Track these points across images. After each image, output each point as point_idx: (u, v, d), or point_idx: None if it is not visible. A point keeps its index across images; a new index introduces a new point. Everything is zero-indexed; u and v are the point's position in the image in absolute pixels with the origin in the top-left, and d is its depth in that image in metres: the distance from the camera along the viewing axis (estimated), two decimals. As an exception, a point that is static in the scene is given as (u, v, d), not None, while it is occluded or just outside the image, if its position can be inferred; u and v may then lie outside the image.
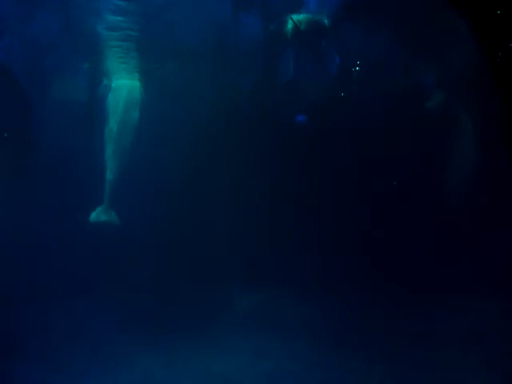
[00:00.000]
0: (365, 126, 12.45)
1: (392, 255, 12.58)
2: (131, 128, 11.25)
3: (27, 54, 11.32)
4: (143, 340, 11.28)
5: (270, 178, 12.92)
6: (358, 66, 11.65)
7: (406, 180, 12.76)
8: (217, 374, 10.58)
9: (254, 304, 12.56)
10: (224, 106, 12.18)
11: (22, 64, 11.47)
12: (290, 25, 10.26)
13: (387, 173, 12.57)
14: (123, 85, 11.47)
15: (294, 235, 13.05)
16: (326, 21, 10.44)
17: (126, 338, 11.28)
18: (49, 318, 11.62)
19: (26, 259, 12.06)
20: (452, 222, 12.36)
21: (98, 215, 10.78)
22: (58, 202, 12.02)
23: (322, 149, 12.85)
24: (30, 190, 12.04)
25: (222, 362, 10.93)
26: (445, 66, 11.64)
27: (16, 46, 11.01)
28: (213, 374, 10.55)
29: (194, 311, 12.22)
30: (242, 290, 12.63)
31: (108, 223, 10.94)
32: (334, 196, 12.84)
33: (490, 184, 12.29)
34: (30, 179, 12.12)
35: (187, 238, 12.71)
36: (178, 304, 12.20)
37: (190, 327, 11.80)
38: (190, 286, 12.59)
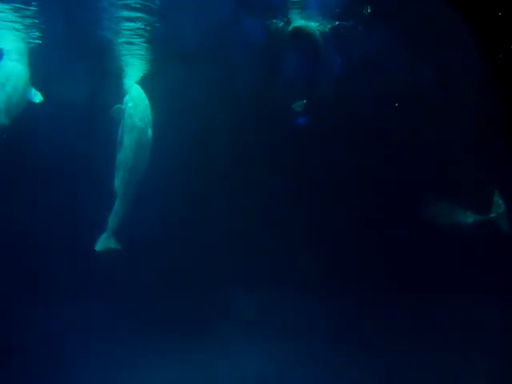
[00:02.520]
0: (364, 126, 12.45)
1: (391, 255, 12.58)
2: (145, 157, 11.11)
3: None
4: (145, 340, 11.36)
5: (271, 177, 12.92)
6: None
7: (406, 180, 12.75)
8: (217, 374, 10.64)
9: (255, 305, 12.59)
10: (227, 106, 12.20)
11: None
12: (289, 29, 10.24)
13: (387, 173, 12.56)
14: (137, 108, 11.28)
15: (294, 235, 13.06)
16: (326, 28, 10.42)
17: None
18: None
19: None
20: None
21: (102, 243, 10.64)
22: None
23: (322, 148, 12.85)
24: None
25: (223, 363, 10.98)
26: (445, 68, 11.66)
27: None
28: (214, 375, 10.63)
29: (196, 313, 12.28)
30: (243, 291, 12.64)
31: (112, 249, 10.77)
32: (334, 196, 12.84)
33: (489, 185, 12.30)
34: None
35: (190, 241, 12.73)
36: (179, 306, 12.24)
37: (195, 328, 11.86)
38: (190, 286, 12.64)
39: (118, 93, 11.55)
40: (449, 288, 12.28)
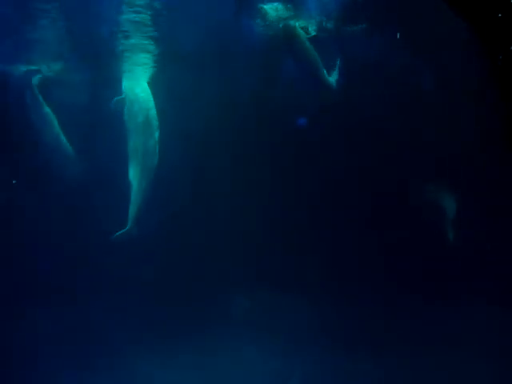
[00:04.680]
0: (365, 127, 12.46)
1: (392, 256, 12.57)
2: (154, 145, 11.08)
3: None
4: (145, 340, 11.37)
5: (271, 177, 12.92)
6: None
7: (406, 180, 12.77)
8: (217, 373, 10.65)
9: (254, 306, 12.60)
10: (227, 107, 12.21)
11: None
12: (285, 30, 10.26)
13: (388, 174, 12.57)
14: (138, 98, 11.25)
15: (295, 235, 13.07)
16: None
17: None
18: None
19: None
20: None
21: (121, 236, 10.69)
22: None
23: (322, 148, 12.86)
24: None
25: (222, 363, 11.00)
26: (445, 69, 11.67)
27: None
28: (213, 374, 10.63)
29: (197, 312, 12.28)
30: (243, 292, 12.65)
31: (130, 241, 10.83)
32: (334, 197, 12.84)
33: (489, 185, 12.30)
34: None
35: (191, 240, 12.74)
36: (179, 305, 12.24)
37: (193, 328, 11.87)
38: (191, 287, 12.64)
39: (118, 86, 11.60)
40: (448, 289, 12.31)
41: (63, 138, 11.48)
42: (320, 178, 12.89)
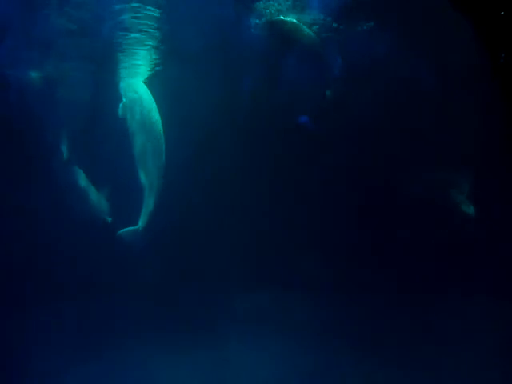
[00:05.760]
0: (365, 127, 12.48)
1: (396, 255, 12.59)
2: (160, 144, 11.14)
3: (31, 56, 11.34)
4: (147, 340, 11.39)
5: (273, 177, 12.95)
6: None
7: (406, 180, 12.80)
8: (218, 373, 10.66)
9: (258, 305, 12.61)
10: (227, 107, 12.23)
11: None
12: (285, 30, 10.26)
13: (390, 173, 12.60)
14: (139, 98, 11.31)
15: (298, 234, 13.09)
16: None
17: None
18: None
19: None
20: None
21: (130, 235, 10.72)
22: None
23: (324, 149, 12.89)
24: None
25: (224, 363, 11.00)
26: (446, 67, 11.70)
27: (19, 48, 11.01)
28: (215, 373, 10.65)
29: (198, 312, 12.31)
30: (246, 291, 12.68)
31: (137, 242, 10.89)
32: (337, 196, 12.87)
33: (489, 185, 12.34)
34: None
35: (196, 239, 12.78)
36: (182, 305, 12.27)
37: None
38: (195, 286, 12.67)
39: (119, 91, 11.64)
40: (448, 288, 12.32)
41: (90, 186, 11.96)
42: (322, 177, 12.92)
